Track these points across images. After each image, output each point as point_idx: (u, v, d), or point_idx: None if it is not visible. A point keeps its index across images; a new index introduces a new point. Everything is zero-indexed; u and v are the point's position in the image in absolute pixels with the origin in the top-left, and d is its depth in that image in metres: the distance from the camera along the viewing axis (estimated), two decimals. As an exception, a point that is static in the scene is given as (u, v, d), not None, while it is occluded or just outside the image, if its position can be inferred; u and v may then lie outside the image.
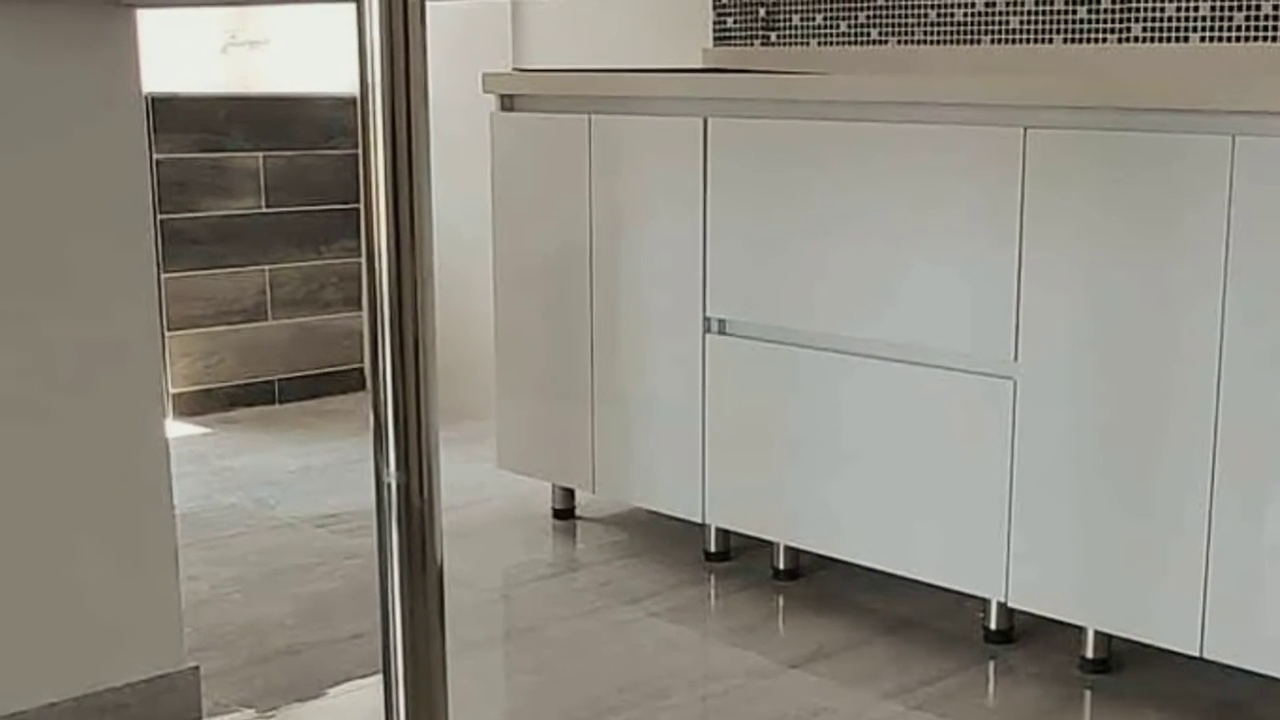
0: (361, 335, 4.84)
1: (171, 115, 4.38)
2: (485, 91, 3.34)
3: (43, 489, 2.18)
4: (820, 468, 2.83)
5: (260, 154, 4.57)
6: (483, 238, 3.79)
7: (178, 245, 4.43)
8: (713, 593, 3.01)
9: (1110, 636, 2.57)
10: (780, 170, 2.80)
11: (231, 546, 3.31)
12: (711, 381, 3.00)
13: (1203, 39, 2.85)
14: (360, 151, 1.50)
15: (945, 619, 2.83)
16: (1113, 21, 2.97)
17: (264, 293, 4.63)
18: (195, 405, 4.52)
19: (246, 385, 4.62)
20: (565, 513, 3.50)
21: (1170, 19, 2.88)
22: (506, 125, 3.31)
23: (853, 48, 3.41)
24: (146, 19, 2.26)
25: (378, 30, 1.45)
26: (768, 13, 3.57)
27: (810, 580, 3.05)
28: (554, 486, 3.49)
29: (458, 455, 3.94)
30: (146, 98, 2.25)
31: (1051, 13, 3.07)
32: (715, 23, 3.71)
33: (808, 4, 3.49)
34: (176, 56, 4.81)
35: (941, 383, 2.63)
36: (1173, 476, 2.35)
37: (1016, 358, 2.52)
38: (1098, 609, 2.48)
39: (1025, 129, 2.46)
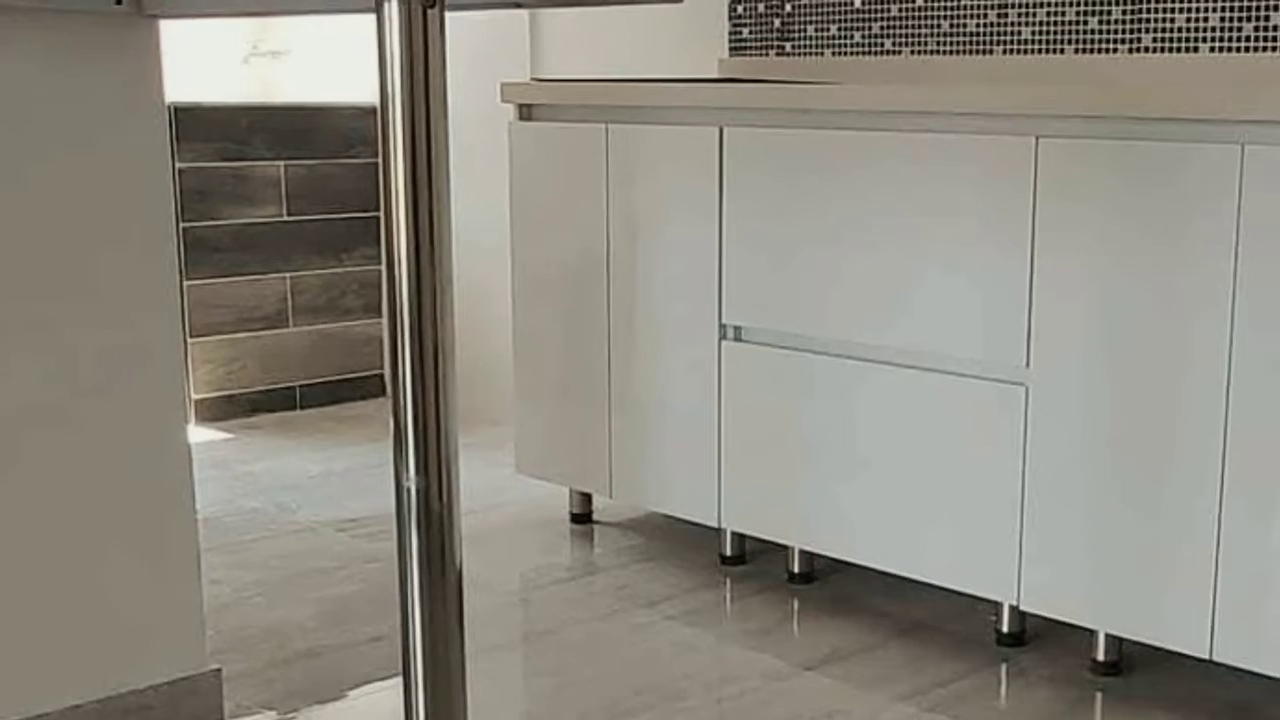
0: (381, 341, 4.87)
1: (194, 124, 4.41)
2: (504, 101, 3.37)
3: (66, 494, 2.19)
4: (834, 472, 2.85)
5: (281, 163, 4.60)
6: (501, 245, 3.81)
7: (200, 253, 4.46)
8: (728, 596, 3.03)
9: (1121, 639, 2.58)
10: (795, 179, 2.83)
11: (253, 550, 3.33)
12: (727, 387, 3.02)
13: (1212, 49, 2.86)
14: (380, 160, 1.52)
15: (958, 622, 2.85)
16: (1123, 32, 2.98)
17: (285, 300, 4.66)
18: (217, 411, 4.55)
19: (268, 391, 4.65)
20: (582, 517, 3.52)
21: (1180, 30, 2.90)
22: (524, 134, 3.34)
23: (866, 58, 3.43)
24: (170, 29, 2.27)
25: (397, 41, 1.47)
26: (783, 23, 3.60)
27: (824, 584, 3.07)
28: (571, 491, 3.51)
29: (476, 460, 3.96)
30: (169, 107, 2.27)
31: (1063, 23, 3.08)
32: (731, 33, 3.73)
33: (822, 15, 3.51)
34: (199, 66, 4.84)
35: (954, 388, 2.65)
36: (1182, 481, 2.37)
37: (1028, 364, 2.54)
38: (1108, 612, 2.50)
39: (1037, 138, 2.48)
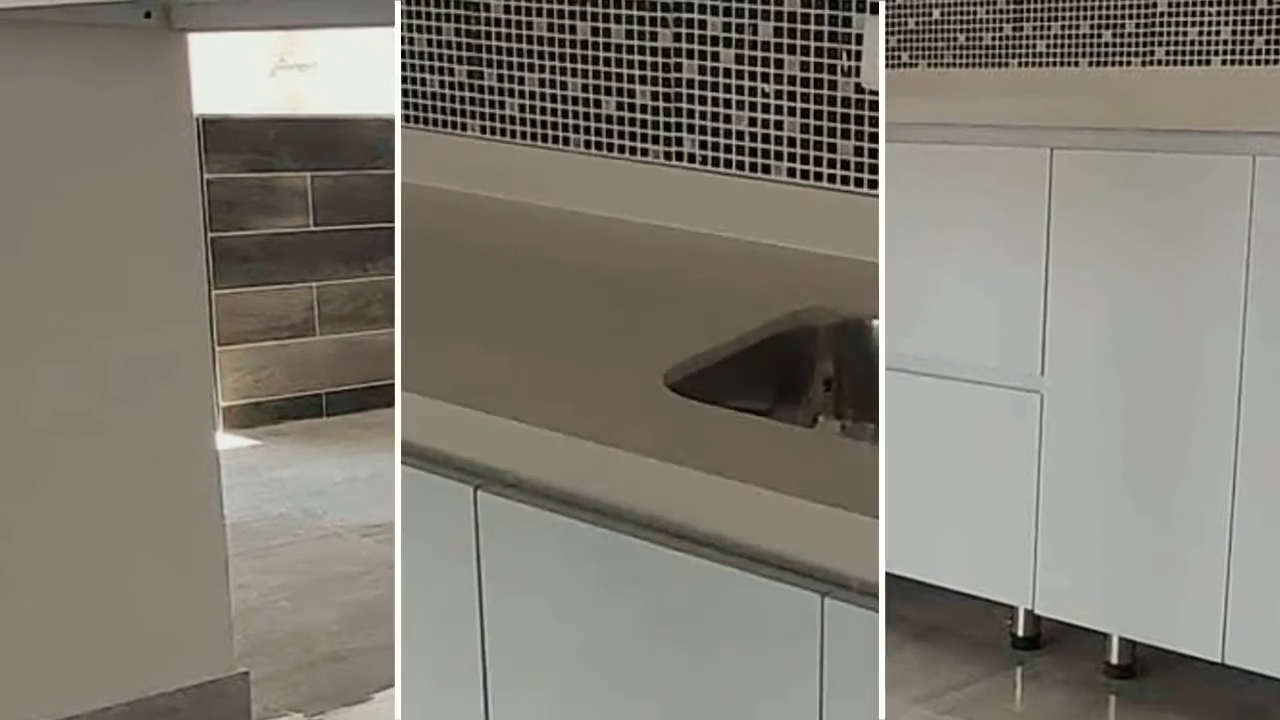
0: (407, 350, 4.89)
1: (222, 136, 4.45)
2: (526, 112, 3.39)
3: (96, 500, 2.21)
4: (852, 480, 2.86)
5: (308, 174, 4.63)
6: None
7: (228, 262, 4.50)
8: (748, 602, 3.04)
9: (1134, 643, 2.60)
10: (813, 189, 2.84)
11: (280, 556, 3.36)
12: (747, 395, 3.04)
13: (1224, 62, 2.87)
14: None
15: (974, 626, 2.86)
16: (1137, 45, 2.99)
17: (311, 309, 4.70)
18: (245, 418, 4.58)
19: (295, 399, 4.69)
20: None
21: (1192, 42, 2.91)
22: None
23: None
24: (198, 42, 2.29)
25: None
26: (801, 35, 3.61)
27: (843, 590, 3.08)
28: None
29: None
30: (197, 119, 2.26)
31: (1077, 37, 3.09)
32: (752, 44, 3.74)
33: (840, 26, 3.52)
34: (227, 79, 4.88)
35: (970, 396, 2.67)
36: (1195, 487, 2.38)
37: (1043, 372, 2.56)
38: (1122, 616, 2.51)
39: (1051, 150, 2.49)
